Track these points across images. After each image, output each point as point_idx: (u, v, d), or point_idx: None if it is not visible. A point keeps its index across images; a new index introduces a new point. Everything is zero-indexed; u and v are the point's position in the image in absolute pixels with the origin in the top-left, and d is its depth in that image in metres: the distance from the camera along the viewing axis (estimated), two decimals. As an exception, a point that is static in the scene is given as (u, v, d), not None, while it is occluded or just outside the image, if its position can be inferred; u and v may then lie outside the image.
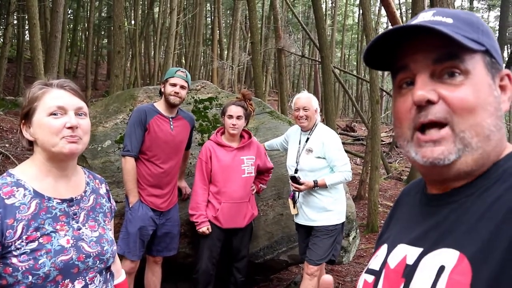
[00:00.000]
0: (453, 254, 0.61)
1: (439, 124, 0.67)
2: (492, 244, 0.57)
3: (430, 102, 0.67)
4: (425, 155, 0.68)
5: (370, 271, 0.78)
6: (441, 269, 0.61)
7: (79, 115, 1.32)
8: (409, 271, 0.67)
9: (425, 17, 0.71)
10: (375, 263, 0.78)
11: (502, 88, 0.71)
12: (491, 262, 0.56)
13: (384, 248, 0.78)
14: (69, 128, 1.27)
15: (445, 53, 0.67)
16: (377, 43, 0.71)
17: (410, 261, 0.68)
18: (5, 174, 1.30)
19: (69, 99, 1.31)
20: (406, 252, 0.70)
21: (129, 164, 3.05)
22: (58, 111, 1.28)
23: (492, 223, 0.59)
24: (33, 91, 1.31)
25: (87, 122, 1.35)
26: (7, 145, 8.10)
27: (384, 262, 0.75)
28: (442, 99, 0.66)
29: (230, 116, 3.29)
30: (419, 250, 0.67)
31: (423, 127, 0.68)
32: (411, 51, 0.70)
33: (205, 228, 3.23)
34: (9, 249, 1.19)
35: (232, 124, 3.27)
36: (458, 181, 0.69)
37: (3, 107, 10.93)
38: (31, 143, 1.33)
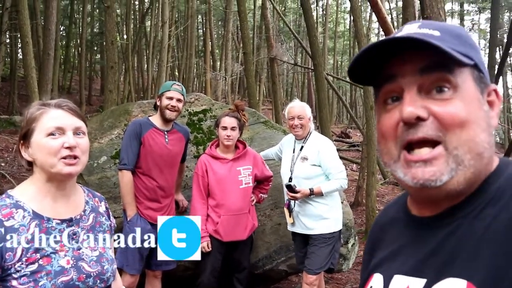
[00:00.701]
0: (461, 284, 0.58)
1: (430, 142, 0.63)
2: (501, 270, 0.55)
3: (419, 119, 0.63)
4: (415, 177, 0.64)
5: None
6: None
7: (78, 134, 1.33)
8: None
9: (411, 29, 0.68)
10: None
11: (490, 103, 0.68)
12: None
13: (378, 278, 0.74)
14: (67, 148, 1.27)
15: (434, 62, 0.63)
16: (364, 56, 0.68)
17: None
18: (4, 195, 1.29)
19: (67, 119, 1.31)
20: (408, 284, 0.66)
21: (126, 177, 3.05)
22: (56, 131, 1.28)
23: (495, 246, 0.57)
24: (31, 111, 1.32)
25: (86, 141, 1.35)
26: (2, 164, 8.07)
27: None
28: (432, 115, 0.63)
29: (224, 128, 3.29)
30: (423, 281, 0.64)
31: (410, 146, 0.65)
32: (399, 62, 0.67)
33: (205, 244, 3.21)
34: (9, 271, 1.18)
35: (227, 136, 3.28)
36: (448, 201, 0.66)
37: (-3, 126, 10.90)
38: (30, 164, 1.33)
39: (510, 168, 0.65)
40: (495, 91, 0.70)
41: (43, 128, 1.28)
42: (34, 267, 1.20)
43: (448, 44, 0.62)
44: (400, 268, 0.68)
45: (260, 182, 3.51)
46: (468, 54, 0.64)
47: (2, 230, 1.19)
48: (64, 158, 1.27)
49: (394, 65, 0.67)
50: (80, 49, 20.71)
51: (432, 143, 0.63)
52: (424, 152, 0.63)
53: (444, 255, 0.62)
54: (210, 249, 3.22)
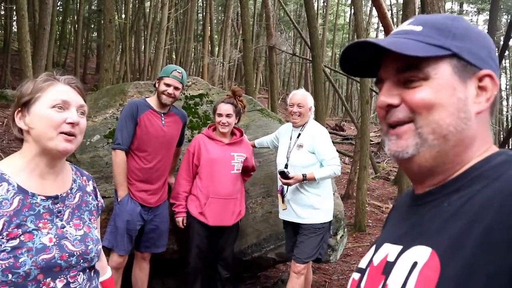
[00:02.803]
0: (426, 250, 0.63)
1: (407, 123, 0.72)
2: (461, 241, 0.59)
3: (391, 106, 0.73)
4: (390, 148, 0.74)
5: (358, 270, 0.81)
6: (414, 265, 0.64)
7: (81, 113, 1.31)
8: (388, 268, 0.70)
9: (403, 25, 0.77)
10: (363, 262, 0.81)
11: (482, 88, 0.72)
12: (458, 258, 0.58)
13: (373, 248, 0.81)
14: (69, 123, 1.25)
15: (404, 65, 0.71)
16: (347, 54, 0.77)
17: (390, 259, 0.71)
18: None
19: (75, 95, 1.31)
20: (388, 251, 0.73)
21: (119, 157, 3.02)
22: (62, 104, 1.26)
23: (463, 221, 0.61)
24: (39, 81, 1.29)
25: (85, 122, 1.34)
26: (-8, 138, 7.98)
27: (370, 261, 0.78)
28: (404, 102, 0.72)
29: (220, 115, 3.29)
30: (399, 248, 0.70)
31: (394, 126, 0.75)
32: (384, 63, 0.76)
33: (180, 219, 3.25)
34: None
35: (222, 123, 3.28)
36: (430, 179, 0.73)
37: (-11, 99, 10.74)
38: (21, 133, 1.30)
39: (501, 158, 0.68)
40: (490, 76, 0.72)
41: (49, 99, 1.26)
42: (15, 242, 1.17)
43: (424, 38, 0.71)
44: (389, 238, 0.76)
45: (243, 172, 3.46)
46: (445, 45, 0.70)
47: None
48: (63, 133, 1.25)
49: (383, 65, 0.77)
50: (76, 26, 20.42)
51: (408, 123, 0.72)
52: (398, 128, 0.73)
53: (421, 227, 0.70)
54: (197, 232, 3.23)
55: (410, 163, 0.73)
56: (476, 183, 0.66)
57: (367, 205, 7.38)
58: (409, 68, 0.71)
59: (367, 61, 0.78)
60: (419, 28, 0.73)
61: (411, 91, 0.71)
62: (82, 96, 1.34)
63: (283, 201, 3.36)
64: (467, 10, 26.61)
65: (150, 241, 3.22)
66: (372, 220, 7.48)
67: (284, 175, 3.19)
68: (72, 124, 1.26)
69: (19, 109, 1.29)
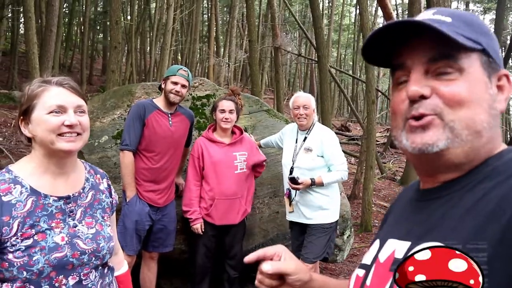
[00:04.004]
0: None
1: (428, 115, 0.69)
2: (478, 239, 0.58)
3: (423, 97, 0.69)
4: (414, 141, 0.69)
5: (362, 266, 0.80)
6: None
7: (79, 112, 1.33)
8: (397, 265, 0.67)
9: (425, 15, 0.73)
10: (367, 258, 0.80)
11: (500, 88, 0.72)
12: (476, 256, 0.57)
13: (376, 243, 0.80)
14: (67, 126, 1.28)
15: (440, 53, 0.68)
16: (376, 38, 0.73)
17: (398, 255, 0.69)
18: (4, 170, 1.30)
19: (69, 97, 1.32)
20: (395, 247, 0.71)
21: (127, 158, 3.05)
22: (57, 109, 1.28)
23: (480, 218, 0.60)
24: (32, 88, 1.32)
25: (87, 119, 1.36)
26: (1, 139, 8.05)
27: (375, 257, 0.76)
28: (435, 93, 0.68)
29: (223, 111, 3.31)
30: (407, 244, 0.69)
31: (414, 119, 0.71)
32: (409, 49, 0.72)
33: (198, 226, 3.25)
34: (5, 245, 1.20)
35: (225, 118, 3.29)
36: (447, 173, 0.70)
37: (-3, 101, 10.85)
38: (29, 140, 1.34)
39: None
40: (506, 76, 0.72)
41: (44, 105, 1.28)
42: (29, 242, 1.22)
43: (458, 30, 0.67)
44: (394, 234, 0.74)
45: (254, 166, 3.50)
46: (477, 39, 0.69)
47: (0, 205, 1.20)
48: (63, 135, 1.28)
49: (403, 53, 0.72)
50: (82, 27, 20.54)
51: (433, 115, 0.69)
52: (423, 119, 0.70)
53: (430, 223, 0.67)
54: (203, 231, 3.26)
55: (437, 157, 0.69)
56: (490, 179, 0.65)
57: (373, 205, 7.37)
58: (445, 57, 0.68)
59: (383, 48, 0.75)
60: (449, 19, 0.70)
61: (446, 83, 0.68)
62: (78, 94, 1.35)
63: (290, 204, 3.37)
64: (473, 10, 26.49)
65: (158, 241, 3.24)
66: (379, 220, 7.46)
67: (294, 180, 3.20)
68: (71, 126, 1.28)
69: (22, 117, 1.33)
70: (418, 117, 0.69)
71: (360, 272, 0.79)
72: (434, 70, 0.69)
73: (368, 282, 0.75)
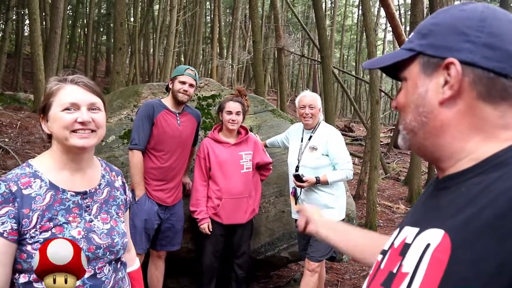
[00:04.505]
0: (439, 233, 0.64)
1: None
2: (473, 226, 0.60)
3: (396, 107, 0.83)
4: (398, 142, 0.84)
5: (382, 251, 0.83)
6: (427, 246, 0.65)
7: (93, 109, 1.36)
8: (405, 249, 0.71)
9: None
10: (386, 244, 0.83)
11: (450, 76, 0.72)
12: (470, 243, 0.59)
13: (396, 231, 0.83)
14: (80, 123, 1.31)
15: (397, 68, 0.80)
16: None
17: (408, 241, 0.72)
18: (24, 164, 1.35)
19: (82, 95, 1.35)
20: (407, 233, 0.74)
21: (136, 157, 3.08)
22: (71, 107, 1.32)
23: (478, 207, 0.61)
24: (49, 86, 1.37)
25: (102, 116, 1.39)
26: (6, 140, 8.09)
27: (392, 242, 0.79)
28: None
29: (229, 112, 3.32)
30: (416, 230, 0.71)
31: None
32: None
33: (205, 225, 3.27)
34: (25, 236, 1.24)
35: (232, 120, 3.31)
36: (437, 164, 0.78)
37: (2, 102, 10.92)
38: (50, 136, 1.38)
39: None
40: (452, 63, 0.70)
41: (59, 103, 1.33)
42: (47, 235, 1.26)
43: (406, 45, 0.78)
44: (410, 221, 0.79)
45: (259, 168, 3.53)
46: (412, 47, 0.76)
47: (20, 197, 1.24)
48: (76, 131, 1.31)
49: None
50: (86, 29, 20.63)
51: None
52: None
53: (438, 210, 0.71)
54: (211, 231, 3.28)
55: (415, 152, 0.82)
56: (496, 170, 0.66)
57: (377, 206, 7.37)
58: (399, 70, 0.80)
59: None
60: (411, 35, 0.80)
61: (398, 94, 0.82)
62: (92, 92, 1.39)
63: (296, 203, 3.39)
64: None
65: (166, 240, 3.27)
66: (383, 220, 7.47)
67: (298, 178, 3.22)
68: (84, 123, 1.32)
69: (42, 115, 1.38)
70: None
71: (379, 257, 0.82)
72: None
73: (382, 266, 0.78)
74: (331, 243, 1.25)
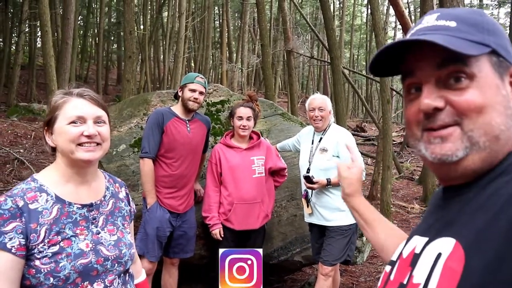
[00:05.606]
0: (450, 242, 0.63)
1: (447, 126, 0.69)
2: (486, 233, 0.59)
3: (437, 109, 0.69)
4: (434, 152, 0.70)
5: (390, 262, 0.82)
6: (439, 256, 0.64)
7: (98, 123, 1.37)
8: (415, 260, 0.70)
9: (429, 21, 0.73)
10: (394, 255, 0.82)
11: None
12: (484, 251, 0.57)
13: (404, 241, 0.82)
14: (86, 136, 1.32)
15: (448, 57, 0.67)
16: (381, 55, 0.75)
17: (417, 250, 0.71)
18: (29, 178, 1.35)
19: (88, 108, 1.36)
20: (416, 243, 0.73)
21: (147, 166, 3.09)
22: (77, 120, 1.33)
23: (490, 213, 0.60)
24: (55, 99, 1.37)
25: (107, 129, 1.40)
26: (21, 151, 8.22)
27: (400, 253, 0.78)
28: (449, 104, 0.68)
29: (240, 118, 3.32)
30: (426, 239, 0.70)
31: (432, 129, 0.71)
32: (415, 58, 0.72)
33: (217, 231, 3.26)
34: (33, 251, 1.24)
35: (243, 126, 3.31)
36: (464, 179, 0.70)
37: (16, 113, 11.10)
38: (54, 149, 1.39)
39: None
40: None
41: (65, 116, 1.33)
42: (55, 249, 1.26)
43: (463, 35, 0.67)
44: (419, 230, 0.77)
45: (274, 174, 3.52)
46: (485, 41, 0.68)
47: (27, 212, 1.24)
48: (82, 144, 1.32)
49: (410, 61, 0.73)
50: (97, 38, 20.91)
51: (453, 126, 0.69)
52: (442, 130, 0.70)
53: (447, 219, 0.69)
54: (222, 237, 3.27)
55: (454, 166, 0.69)
56: (504, 175, 0.65)
57: (391, 206, 7.29)
58: (454, 61, 0.68)
59: (389, 59, 0.76)
60: (453, 24, 0.70)
61: (459, 93, 0.68)
62: (98, 105, 1.39)
63: (308, 205, 3.37)
64: (487, 4, 26.08)
65: (178, 247, 3.27)
66: (398, 220, 7.39)
67: (309, 179, 3.20)
68: (90, 136, 1.32)
69: (46, 128, 1.38)
70: (437, 129, 0.70)
71: (388, 268, 0.81)
72: (445, 77, 0.69)
73: (392, 277, 0.76)
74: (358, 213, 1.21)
